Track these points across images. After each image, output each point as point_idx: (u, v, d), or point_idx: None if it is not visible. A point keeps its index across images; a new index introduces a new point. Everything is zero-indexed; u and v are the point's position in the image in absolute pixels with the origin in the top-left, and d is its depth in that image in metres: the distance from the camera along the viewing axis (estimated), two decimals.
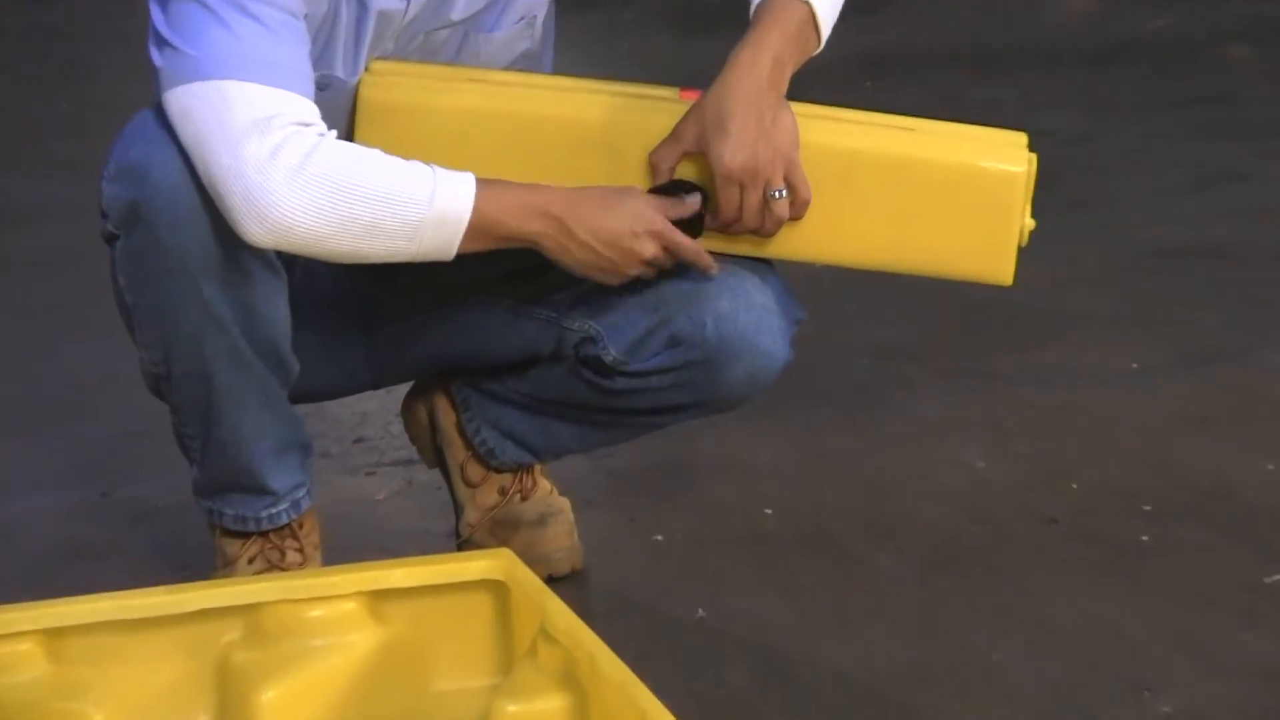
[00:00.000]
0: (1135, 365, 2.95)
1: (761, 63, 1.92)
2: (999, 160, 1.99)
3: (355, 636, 1.82)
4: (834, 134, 1.99)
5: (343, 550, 2.18)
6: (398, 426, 2.51)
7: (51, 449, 2.80)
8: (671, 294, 2.05)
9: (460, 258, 1.91)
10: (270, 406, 2.05)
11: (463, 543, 2.29)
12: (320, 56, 1.96)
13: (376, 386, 2.31)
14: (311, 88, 1.89)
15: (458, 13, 2.04)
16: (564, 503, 2.28)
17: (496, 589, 1.83)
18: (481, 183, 1.89)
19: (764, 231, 1.99)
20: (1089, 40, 5.37)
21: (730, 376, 2.05)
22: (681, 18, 5.76)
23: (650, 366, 2.08)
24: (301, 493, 2.13)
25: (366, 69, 2.01)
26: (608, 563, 2.29)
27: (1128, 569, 2.24)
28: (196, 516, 2.18)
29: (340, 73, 1.99)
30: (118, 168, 1.93)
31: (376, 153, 1.89)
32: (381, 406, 2.77)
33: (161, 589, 1.83)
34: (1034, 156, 2.00)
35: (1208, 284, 3.34)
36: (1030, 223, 2.00)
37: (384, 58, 2.03)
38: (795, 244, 2.01)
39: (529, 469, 2.28)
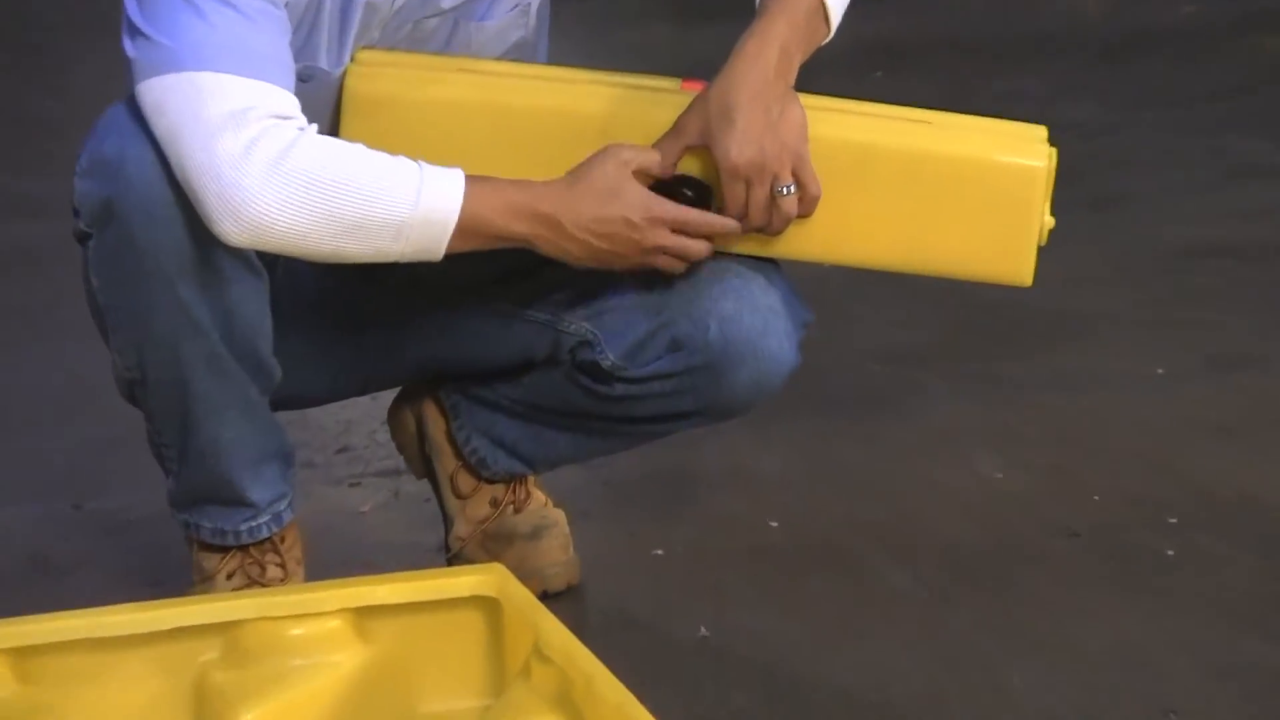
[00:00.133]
0: (1159, 370, 2.96)
1: (768, 52, 1.93)
2: (1018, 155, 1.99)
3: (339, 656, 1.82)
4: (845, 127, 1.99)
5: (326, 565, 2.18)
6: (384, 435, 2.51)
7: (19, 458, 2.80)
8: (673, 296, 2.06)
9: (450, 257, 1.91)
10: (250, 414, 2.05)
11: (452, 557, 2.29)
12: (303, 46, 1.96)
13: (362, 392, 2.31)
14: (292, 79, 1.89)
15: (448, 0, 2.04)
16: (559, 515, 2.28)
17: (488, 606, 1.84)
18: (470, 180, 1.90)
19: (771, 230, 1.99)
20: (1112, 28, 5.37)
21: (734, 382, 2.05)
22: (683, 4, 5.77)
23: (650, 372, 2.08)
24: (283, 505, 2.14)
25: (352, 59, 2.01)
26: (605, 578, 2.29)
27: (1151, 584, 2.25)
28: (172, 530, 2.18)
29: (324, 63, 1.99)
30: (90, 163, 1.94)
31: (359, 147, 1.89)
32: (366, 414, 2.77)
33: (135, 606, 1.84)
34: (1054, 151, 2.00)
35: (1235, 285, 3.34)
36: (1050, 220, 2.00)
37: (370, 47, 2.03)
38: (803, 243, 2.01)
39: (522, 480, 2.28)
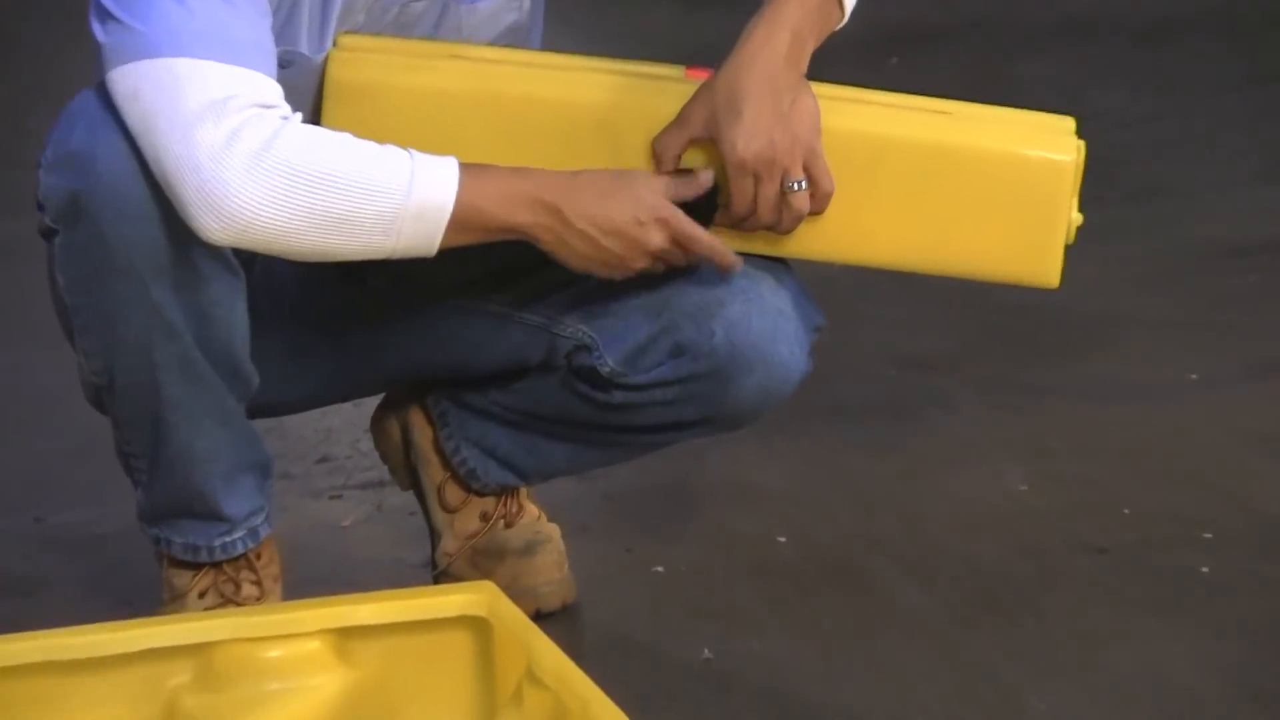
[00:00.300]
0: (1194, 376, 2.96)
1: (779, 38, 1.93)
2: (1044, 148, 2.00)
3: (319, 679, 1.82)
4: (860, 118, 2.00)
5: (305, 583, 2.19)
6: (367, 444, 2.51)
7: None
8: (676, 297, 2.06)
9: (441, 254, 1.91)
10: (225, 422, 2.05)
11: (440, 574, 2.29)
12: (283, 30, 1.97)
13: (344, 399, 2.32)
14: (274, 65, 1.89)
15: None
16: (553, 530, 2.29)
17: (477, 626, 1.84)
18: (465, 168, 1.90)
19: (781, 227, 1.99)
20: (1145, 10, 5.37)
21: (741, 390, 2.06)
22: None
23: (652, 378, 2.09)
24: (259, 519, 2.14)
25: (334, 44, 2.02)
26: (602, 597, 2.30)
27: (1186, 605, 2.25)
28: (141, 545, 2.18)
29: (305, 48, 2.00)
30: (57, 155, 1.94)
31: (346, 137, 1.89)
32: (349, 422, 2.77)
33: (102, 626, 1.83)
34: (1083, 143, 2.01)
35: (1275, 285, 3.35)
36: (1078, 217, 2.01)
37: (354, 32, 2.04)
38: (815, 242, 2.02)
39: (514, 492, 2.29)
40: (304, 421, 2.68)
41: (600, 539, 2.45)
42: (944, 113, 2.01)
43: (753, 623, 2.23)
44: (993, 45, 5.07)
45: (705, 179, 1.97)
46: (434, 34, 2.08)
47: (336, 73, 2.01)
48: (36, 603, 2.37)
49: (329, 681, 1.83)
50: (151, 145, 1.85)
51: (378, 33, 2.05)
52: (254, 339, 2.04)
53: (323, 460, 2.77)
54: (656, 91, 2.00)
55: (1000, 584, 2.32)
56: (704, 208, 1.99)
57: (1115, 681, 2.08)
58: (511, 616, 1.80)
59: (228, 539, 2.12)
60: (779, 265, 2.08)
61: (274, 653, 1.82)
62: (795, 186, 1.96)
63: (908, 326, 3.18)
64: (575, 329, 2.13)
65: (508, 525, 2.28)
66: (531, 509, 2.30)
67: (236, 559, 2.14)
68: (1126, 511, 2.50)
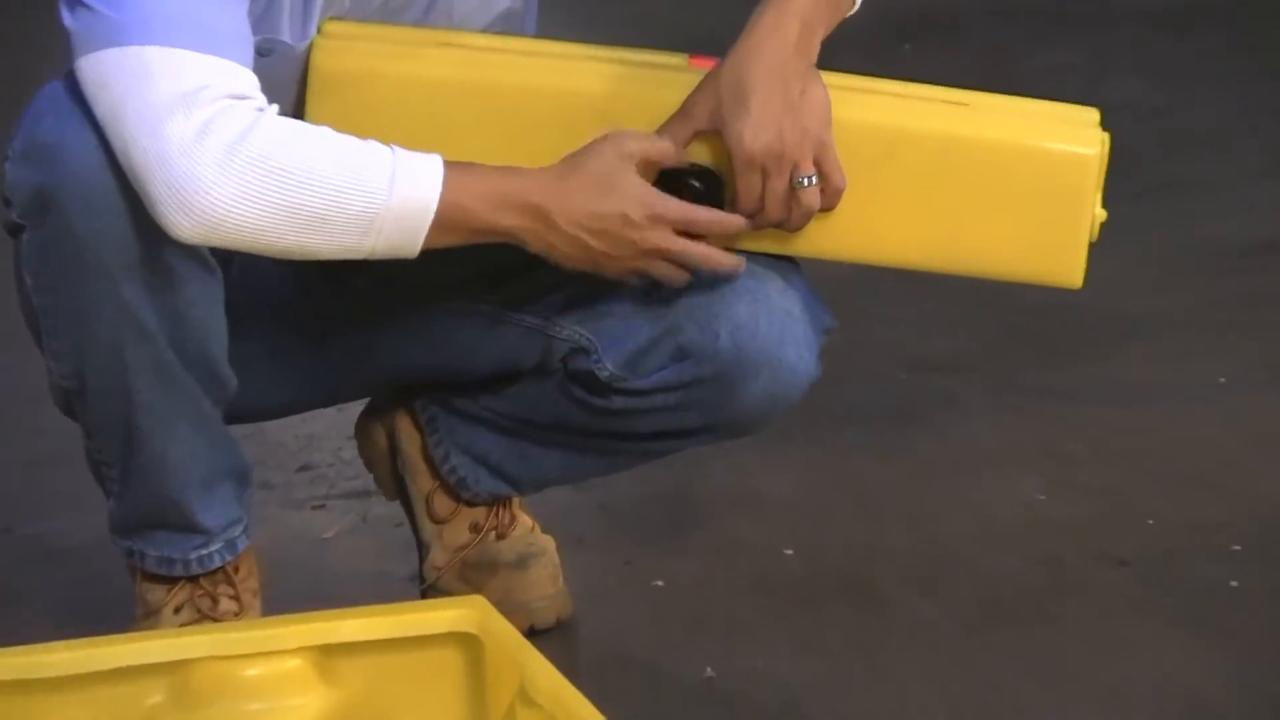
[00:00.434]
0: (1221, 379, 2.96)
1: (788, 26, 1.93)
2: (1067, 141, 2.00)
3: (301, 699, 1.82)
4: (873, 110, 2.00)
5: (286, 598, 2.18)
6: (351, 451, 2.51)
7: None
8: (679, 298, 2.06)
9: (428, 253, 1.91)
10: (201, 429, 2.05)
11: (428, 588, 2.29)
12: (262, 16, 1.97)
13: (327, 404, 2.32)
14: (250, 54, 1.89)
15: None
16: (548, 542, 2.29)
17: (467, 643, 1.84)
18: (450, 166, 1.89)
19: (790, 225, 1.99)
20: None
21: (747, 396, 2.06)
22: None
23: (652, 384, 2.09)
24: (237, 530, 2.14)
25: (318, 31, 2.01)
26: (599, 613, 2.30)
27: (1212, 620, 2.25)
28: (113, 558, 2.18)
29: (286, 36, 1.99)
30: (24, 147, 1.93)
31: (325, 130, 1.89)
32: (331, 428, 2.77)
33: (72, 643, 1.83)
34: (1107, 136, 2.01)
35: None
36: (1102, 213, 2.01)
37: (339, 18, 2.03)
38: (826, 240, 2.01)
39: (507, 502, 2.29)
40: (285, 427, 2.68)
41: (597, 551, 2.45)
42: (961, 104, 2.01)
43: (757, 639, 2.23)
44: (1010, 32, 5.07)
45: (677, 152, 1.95)
46: (424, 20, 2.08)
47: (321, 61, 2.01)
48: (2, 618, 2.36)
49: (311, 701, 1.83)
50: (120, 137, 1.85)
51: (364, 19, 2.05)
52: (232, 340, 2.04)
53: (304, 468, 2.77)
54: (658, 81, 2.00)
55: (1016, 598, 2.32)
56: (708, 203, 1.98)
57: (1138, 701, 2.09)
58: (503, 633, 1.80)
59: (204, 551, 2.12)
60: (787, 264, 2.08)
61: (253, 671, 1.82)
62: (805, 182, 1.95)
63: (919, 327, 3.18)
64: (572, 331, 2.12)
65: (500, 537, 2.27)
66: (525, 520, 2.30)
67: (213, 573, 2.14)
68: (1150, 522, 2.50)
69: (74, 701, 1.80)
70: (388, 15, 2.06)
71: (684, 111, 1.97)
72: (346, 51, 2.01)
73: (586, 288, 2.09)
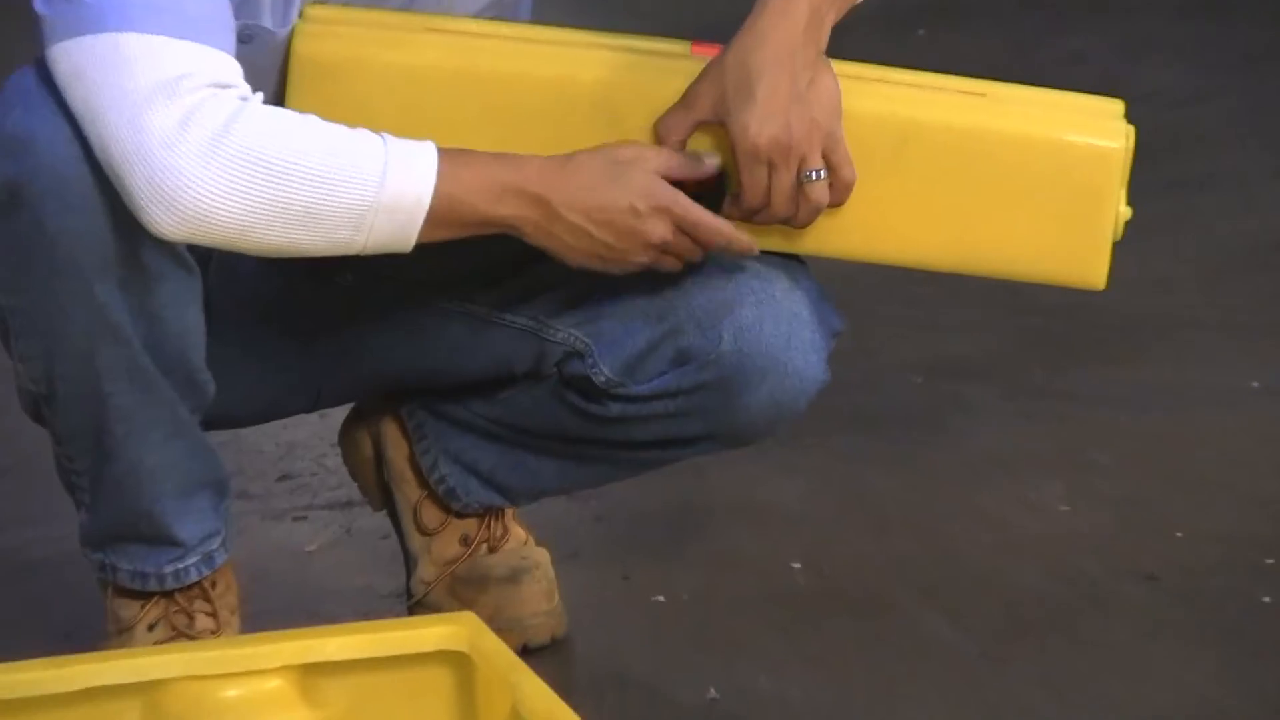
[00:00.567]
0: (1254, 384, 2.96)
1: (796, 11, 1.93)
2: (1090, 134, 2.00)
3: None
4: (885, 100, 2.00)
5: (266, 614, 2.19)
6: (335, 460, 2.51)
7: None
8: (680, 299, 2.06)
9: (418, 249, 1.91)
10: (178, 436, 2.05)
11: (415, 604, 2.29)
12: (243, 2, 1.97)
13: (310, 409, 2.31)
14: (233, 40, 1.89)
15: None
16: (542, 555, 2.29)
17: (458, 662, 1.83)
18: (444, 155, 1.90)
19: (797, 221, 1.99)
20: None
21: (752, 402, 2.06)
22: None
23: (652, 389, 2.09)
24: (215, 543, 2.14)
25: (300, 16, 2.01)
26: (596, 630, 2.30)
27: (1244, 638, 2.25)
28: (84, 572, 2.18)
29: (268, 21, 1.99)
30: None
31: (313, 119, 1.89)
32: (314, 435, 2.77)
33: (40, 662, 1.82)
34: (1132, 129, 2.01)
35: None
36: (1126, 211, 2.01)
37: (322, 2, 2.03)
38: (834, 237, 2.01)
39: (499, 514, 2.29)
40: (265, 434, 2.68)
41: (594, 565, 2.45)
42: (978, 94, 2.01)
43: (762, 657, 2.23)
44: (1030, 17, 5.08)
45: (711, 164, 1.97)
46: (412, 5, 2.08)
47: (303, 47, 2.00)
48: None
49: None
50: (96, 130, 1.85)
51: (349, 3, 2.05)
52: (210, 342, 2.04)
53: (285, 478, 2.77)
54: (659, 69, 2.00)
55: (1036, 615, 2.32)
56: (711, 198, 1.98)
57: None
58: (495, 652, 1.80)
59: (180, 565, 2.12)
60: (794, 264, 2.08)
61: (231, 692, 1.81)
62: (813, 175, 1.95)
63: (933, 329, 3.19)
64: (567, 333, 2.13)
65: (491, 550, 2.28)
66: (518, 532, 2.30)
67: (189, 587, 2.14)
68: (1178, 534, 2.50)
69: None
70: None
71: (685, 101, 1.97)
72: (330, 37, 2.01)
73: (583, 287, 2.09)
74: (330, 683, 1.82)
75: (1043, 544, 2.49)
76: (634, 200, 1.94)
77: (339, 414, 2.37)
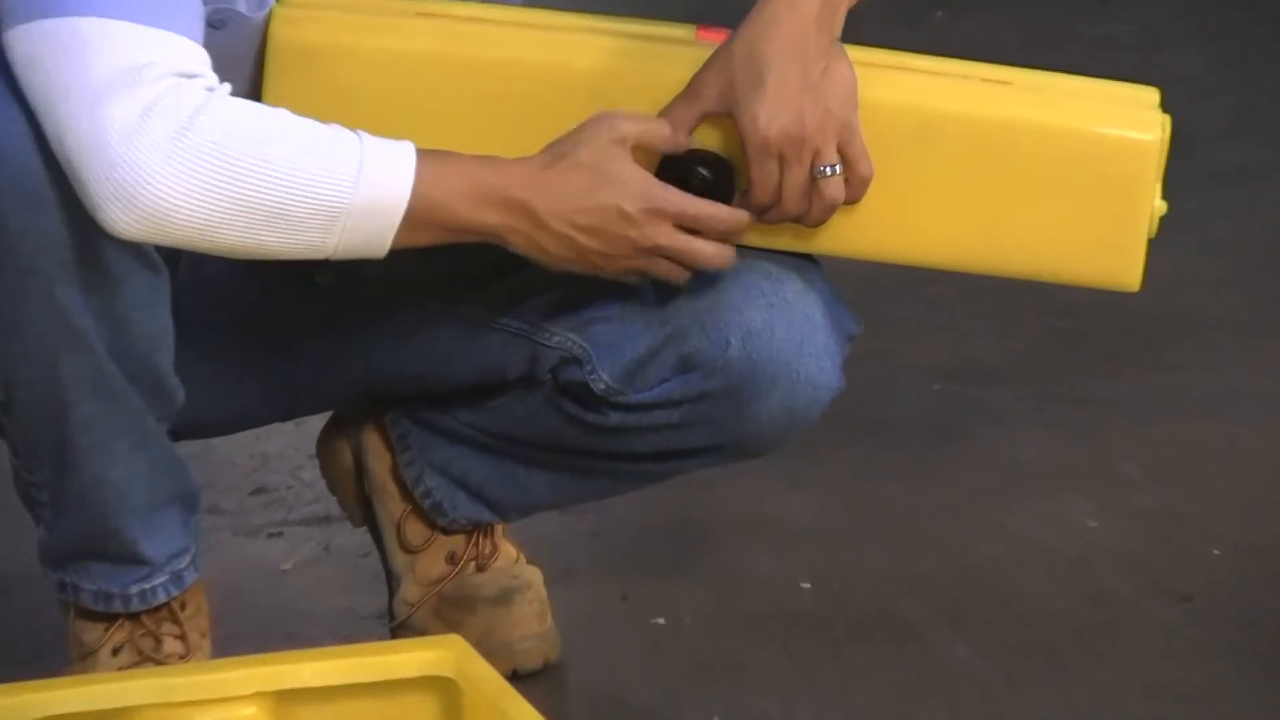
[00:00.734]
0: None
1: None
2: (1123, 125, 2.00)
3: None
4: (904, 89, 2.00)
5: (239, 637, 2.19)
6: (312, 472, 2.51)
7: None
8: (684, 301, 2.06)
9: (397, 251, 1.91)
10: (144, 447, 2.05)
11: (398, 626, 2.29)
12: None
13: (286, 417, 2.32)
14: (200, 27, 1.88)
15: None
16: (534, 574, 2.29)
17: (443, 688, 1.83)
18: (424, 156, 1.89)
19: (810, 219, 1.99)
20: None
21: (761, 411, 2.06)
22: None
23: (654, 397, 2.09)
24: (184, 561, 2.14)
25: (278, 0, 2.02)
26: (592, 653, 2.30)
27: None
28: (44, 593, 2.18)
29: (242, 6, 1.99)
30: None
31: (285, 114, 1.89)
32: (290, 445, 2.78)
33: None
34: (1168, 119, 2.01)
35: None
36: (1161, 206, 2.01)
37: None
38: (850, 236, 2.01)
39: (488, 530, 2.29)
40: (237, 445, 2.68)
41: (590, 584, 2.46)
42: (1003, 82, 2.01)
43: (771, 683, 2.24)
44: (1052, 0, 5.09)
45: (685, 140, 1.95)
46: None
47: (281, 32, 2.01)
48: None
49: None
50: (53, 121, 1.84)
51: None
52: (179, 347, 2.04)
53: (259, 491, 2.77)
54: (663, 56, 2.00)
55: (1063, 636, 2.32)
56: (718, 195, 1.98)
57: None
58: (484, 677, 1.80)
59: (147, 585, 2.12)
60: (807, 264, 2.08)
61: (203, 719, 1.80)
62: (827, 170, 1.95)
63: (954, 333, 3.19)
64: (563, 338, 2.12)
65: (480, 569, 2.28)
66: (508, 550, 2.30)
67: (157, 609, 2.14)
68: (1215, 551, 2.50)
69: None
70: None
71: (691, 91, 1.96)
72: (309, 21, 2.01)
73: (580, 289, 2.09)
74: (307, 710, 1.83)
75: (1069, 561, 2.50)
76: (622, 202, 1.94)
77: (316, 423, 2.37)
